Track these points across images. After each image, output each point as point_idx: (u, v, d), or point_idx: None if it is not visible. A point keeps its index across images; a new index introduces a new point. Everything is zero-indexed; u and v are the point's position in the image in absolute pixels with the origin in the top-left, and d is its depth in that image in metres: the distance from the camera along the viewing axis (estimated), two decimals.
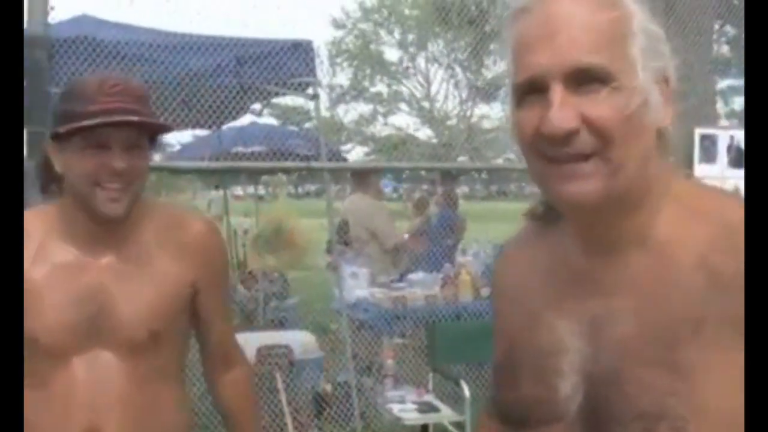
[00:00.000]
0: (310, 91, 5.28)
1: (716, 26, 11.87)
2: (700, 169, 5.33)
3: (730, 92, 20.17)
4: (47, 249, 1.81)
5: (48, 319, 1.77)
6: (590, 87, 1.00)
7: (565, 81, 1.00)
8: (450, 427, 4.58)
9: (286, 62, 4.87)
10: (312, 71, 5.03)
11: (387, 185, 9.82)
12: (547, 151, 1.02)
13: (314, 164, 5.10)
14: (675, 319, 1.02)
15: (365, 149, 32.37)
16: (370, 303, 5.74)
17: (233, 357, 2.13)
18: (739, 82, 18.71)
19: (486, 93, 24.74)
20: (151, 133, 1.83)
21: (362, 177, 7.34)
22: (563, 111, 0.99)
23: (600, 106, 1.00)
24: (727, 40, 14.82)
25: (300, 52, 4.91)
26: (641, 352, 1.03)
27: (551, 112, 1.00)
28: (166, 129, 1.93)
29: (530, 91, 1.03)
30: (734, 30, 14.34)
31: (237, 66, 4.73)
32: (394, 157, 27.70)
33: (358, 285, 6.01)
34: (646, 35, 1.03)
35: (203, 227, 2.01)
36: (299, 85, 5.08)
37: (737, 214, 1.02)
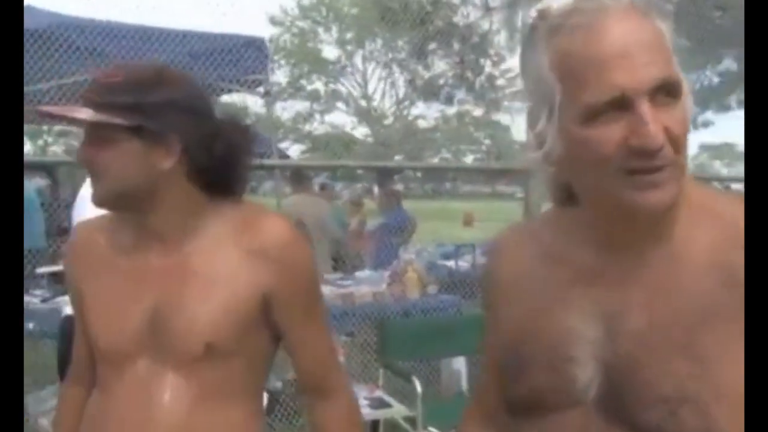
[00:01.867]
0: (261, 89, 5.28)
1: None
2: None
3: None
4: (114, 252, 1.73)
5: (107, 322, 1.69)
6: (665, 100, 1.07)
7: (649, 97, 1.06)
8: (401, 422, 4.62)
9: (239, 59, 4.86)
10: (264, 69, 5.03)
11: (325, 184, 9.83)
12: (632, 163, 1.06)
13: (267, 162, 5.10)
14: (691, 311, 1.08)
15: (302, 147, 32.33)
16: None
17: (330, 386, 1.83)
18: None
19: (423, 92, 24.88)
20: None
21: (305, 176, 7.44)
22: (656, 126, 1.05)
23: (674, 117, 1.07)
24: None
25: (253, 49, 4.91)
26: (659, 341, 1.09)
27: (648, 128, 1.04)
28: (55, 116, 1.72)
29: (609, 108, 1.06)
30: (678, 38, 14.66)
31: (190, 60, 4.70)
32: (331, 156, 27.73)
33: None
34: (672, 52, 1.09)
35: (279, 228, 1.73)
36: (252, 82, 5.07)
37: (734, 211, 1.11)
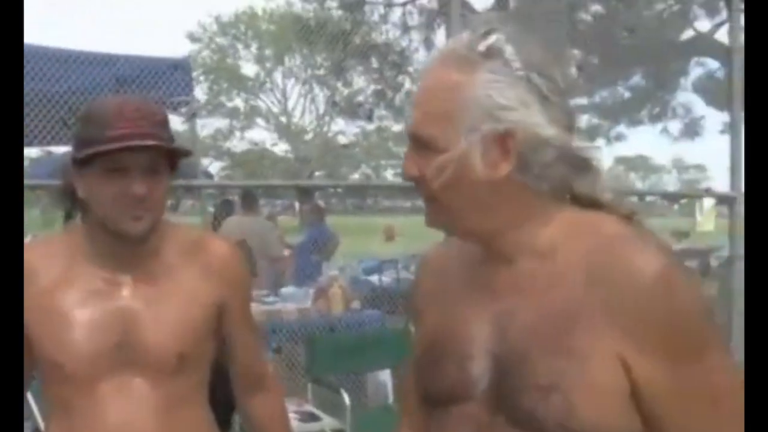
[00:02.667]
0: (184, 109, 5.36)
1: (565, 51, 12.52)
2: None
3: (577, 111, 21.21)
4: (72, 273, 1.79)
5: (73, 345, 1.73)
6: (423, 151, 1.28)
7: (412, 142, 1.29)
8: None
9: (165, 82, 4.94)
10: (190, 90, 5.12)
11: (231, 200, 9.86)
12: None
13: (195, 182, 5.18)
14: (560, 311, 1.24)
15: (223, 164, 32.19)
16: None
17: (263, 379, 2.06)
18: (585, 100, 19.71)
19: (343, 109, 25.04)
20: (169, 158, 1.78)
21: (249, 197, 7.68)
22: (407, 162, 1.29)
23: (426, 164, 1.26)
24: (575, 62, 15.65)
25: (179, 71, 5.00)
26: (534, 339, 1.24)
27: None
28: (185, 153, 1.83)
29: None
30: (581, 53, 15.16)
31: (116, 84, 4.76)
32: (251, 172, 27.65)
33: None
34: (472, 106, 1.23)
35: (226, 248, 1.97)
36: (178, 104, 5.15)
37: (611, 228, 1.26)
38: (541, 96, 1.23)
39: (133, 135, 1.68)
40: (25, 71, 4.46)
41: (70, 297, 1.77)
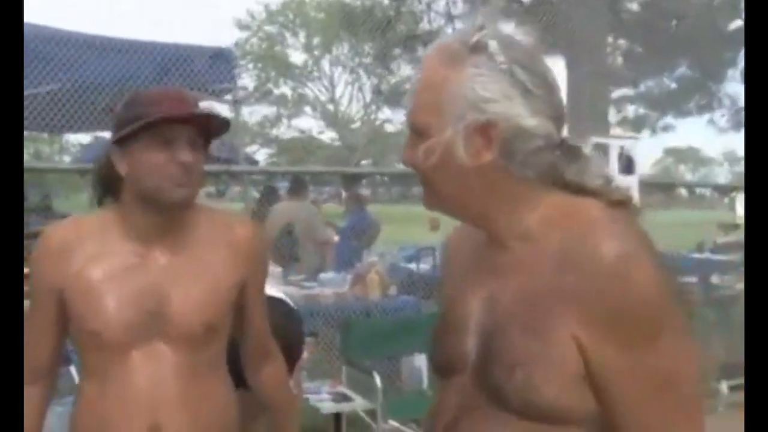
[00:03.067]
0: (228, 97, 5.48)
1: (609, 39, 12.47)
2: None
3: (623, 101, 21.08)
4: (107, 248, 1.94)
5: (109, 314, 1.88)
6: (420, 138, 1.37)
7: (410, 130, 1.38)
8: (363, 415, 4.85)
9: (208, 69, 5.06)
10: (232, 78, 5.23)
11: (283, 187, 10.01)
12: None
13: (235, 167, 5.30)
14: (534, 293, 1.32)
15: (270, 151, 32.42)
16: None
17: (272, 351, 2.25)
18: (631, 91, 19.53)
19: (390, 97, 25.08)
20: (206, 134, 1.96)
21: (303, 184, 7.90)
22: (406, 148, 1.40)
23: (415, 150, 1.37)
24: (621, 52, 15.55)
25: (222, 59, 5.12)
26: (510, 318, 1.34)
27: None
28: (226, 123, 2.01)
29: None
30: (626, 42, 15.06)
31: (159, 72, 4.89)
32: (298, 159, 27.84)
33: (269, 283, 6.22)
34: (456, 98, 1.32)
35: (250, 230, 2.14)
36: (220, 91, 5.27)
37: (591, 213, 1.34)
38: (523, 89, 1.31)
39: (180, 109, 1.86)
40: (70, 60, 4.62)
41: (106, 271, 1.91)
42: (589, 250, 1.28)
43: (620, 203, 1.39)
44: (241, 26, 31.56)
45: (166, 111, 1.84)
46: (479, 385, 1.36)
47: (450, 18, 12.51)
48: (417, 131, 1.37)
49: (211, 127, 1.97)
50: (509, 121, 1.31)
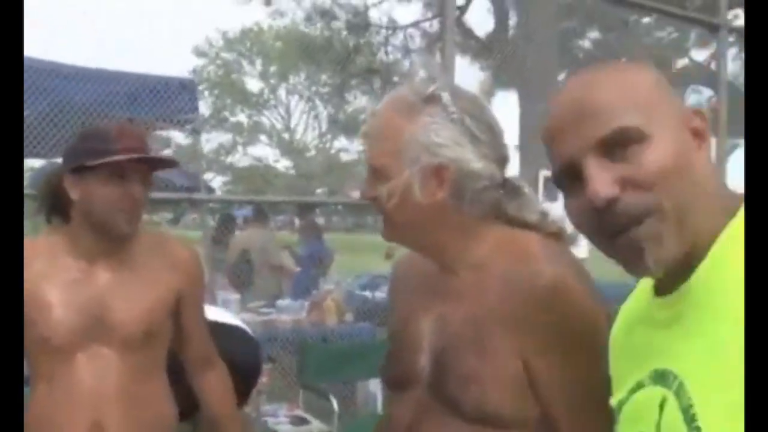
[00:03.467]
0: (189, 126, 5.63)
1: (561, 76, 12.80)
2: (544, 207, 5.86)
3: None
4: (56, 266, 2.14)
5: (58, 322, 2.08)
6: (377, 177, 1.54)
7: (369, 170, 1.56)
8: None
9: (174, 99, 5.21)
10: (196, 109, 5.38)
11: (240, 215, 10.10)
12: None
13: (196, 196, 5.44)
14: (479, 316, 1.50)
15: (225, 178, 32.40)
16: None
17: (212, 358, 2.46)
18: None
19: (346, 126, 25.27)
20: (154, 168, 2.19)
21: (260, 211, 8.22)
22: (366, 185, 1.57)
23: (380, 188, 1.53)
24: None
25: (186, 91, 5.27)
26: (460, 338, 1.51)
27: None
28: (175, 164, 2.30)
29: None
30: None
31: (128, 101, 5.03)
32: (252, 189, 27.87)
33: (229, 311, 6.33)
34: (414, 144, 1.49)
35: (185, 248, 2.39)
36: (184, 121, 5.41)
37: (528, 245, 1.52)
38: (471, 136, 1.50)
39: (137, 149, 2.08)
40: (41, 87, 4.73)
41: (55, 285, 2.13)
42: (527, 277, 1.46)
43: (554, 235, 1.58)
44: (199, 53, 31.63)
45: (123, 149, 2.05)
46: (434, 397, 1.53)
47: (407, 51, 12.79)
48: (376, 173, 1.54)
49: (160, 165, 2.22)
50: (459, 164, 1.49)
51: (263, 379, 5.33)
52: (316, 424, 4.87)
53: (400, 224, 1.56)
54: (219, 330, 3.71)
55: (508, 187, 1.59)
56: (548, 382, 1.46)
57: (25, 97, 4.62)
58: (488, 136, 1.52)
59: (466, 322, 1.52)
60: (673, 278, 1.10)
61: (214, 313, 3.96)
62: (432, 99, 1.50)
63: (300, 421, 4.87)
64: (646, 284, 1.22)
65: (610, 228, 1.06)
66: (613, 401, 1.24)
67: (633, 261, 1.07)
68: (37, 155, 5.20)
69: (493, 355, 1.47)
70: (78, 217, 2.15)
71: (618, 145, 1.06)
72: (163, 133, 7.06)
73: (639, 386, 1.16)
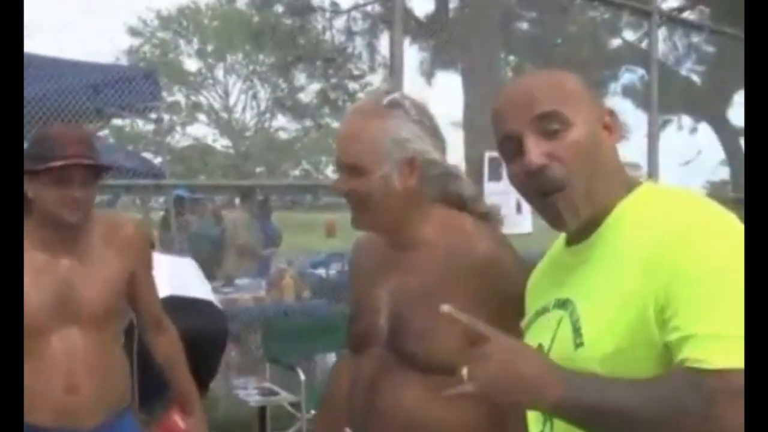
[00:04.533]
0: (152, 115, 5.81)
1: (501, 55, 13.11)
2: (489, 187, 5.93)
3: None
4: (25, 256, 2.35)
5: (30, 306, 2.30)
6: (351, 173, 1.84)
7: (341, 168, 1.87)
8: (288, 407, 5.25)
9: (135, 89, 5.38)
10: (157, 97, 5.56)
11: (183, 195, 10.23)
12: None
13: (165, 182, 5.61)
14: (429, 283, 1.82)
15: (161, 159, 31.99)
16: None
17: (164, 323, 2.82)
18: None
19: (285, 106, 25.28)
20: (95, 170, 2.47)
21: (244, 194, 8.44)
22: (338, 182, 1.86)
23: (354, 183, 1.83)
24: (511, 67, 16.23)
25: (149, 80, 5.45)
26: (413, 301, 1.83)
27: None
28: (108, 169, 2.63)
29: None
30: (516, 58, 15.72)
31: (92, 91, 5.18)
32: (193, 168, 27.70)
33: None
34: (388, 142, 1.80)
35: (134, 226, 2.74)
36: (145, 109, 5.59)
37: (464, 224, 1.87)
38: (428, 132, 1.85)
39: (77, 155, 2.36)
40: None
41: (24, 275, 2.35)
42: (466, 252, 1.81)
43: (483, 215, 1.95)
44: (134, 33, 31.10)
45: (66, 156, 2.34)
46: (393, 352, 1.85)
47: (350, 34, 12.98)
48: (351, 169, 1.83)
49: (100, 169, 2.49)
50: (424, 156, 1.83)
51: (232, 353, 5.58)
52: (284, 394, 5.13)
53: (375, 211, 1.85)
54: (189, 305, 4.00)
55: (451, 174, 1.94)
56: None
57: None
58: (436, 132, 1.88)
59: (418, 289, 1.84)
60: (581, 233, 1.45)
61: (188, 286, 4.21)
62: (395, 104, 1.84)
63: (269, 392, 5.12)
64: (560, 240, 1.58)
65: (538, 190, 1.41)
66: (523, 323, 1.61)
67: (554, 219, 1.43)
68: None
69: (441, 315, 1.78)
70: (35, 213, 2.42)
71: (549, 125, 1.40)
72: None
73: (544, 310, 1.52)
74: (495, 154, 6.21)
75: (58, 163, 2.34)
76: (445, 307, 1.38)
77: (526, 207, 6.90)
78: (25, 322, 2.24)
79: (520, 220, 5.78)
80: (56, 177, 2.36)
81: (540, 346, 1.46)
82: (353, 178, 1.83)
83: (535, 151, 1.39)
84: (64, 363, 2.43)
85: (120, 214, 3.19)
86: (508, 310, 1.72)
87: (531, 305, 1.63)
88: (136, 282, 2.66)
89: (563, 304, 1.46)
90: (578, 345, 1.37)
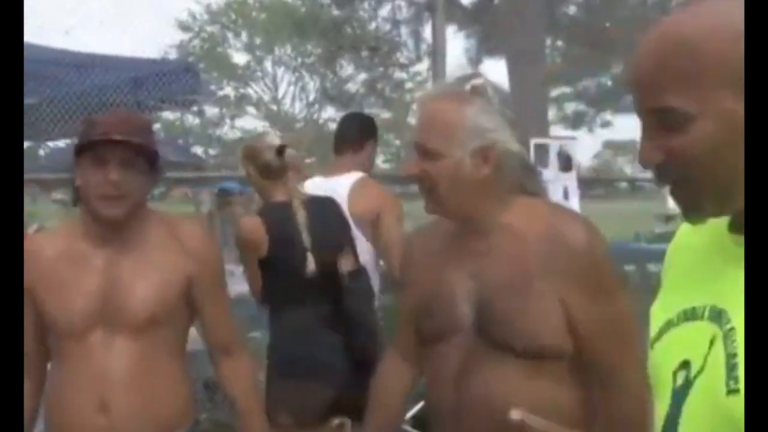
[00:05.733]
0: (194, 108, 5.83)
1: (548, 41, 12.96)
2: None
3: (562, 99, 21.69)
4: (70, 250, 2.20)
5: (68, 305, 2.11)
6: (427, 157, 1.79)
7: (417, 151, 1.81)
8: None
9: (175, 82, 5.40)
10: (198, 90, 5.57)
11: (234, 187, 10.19)
12: None
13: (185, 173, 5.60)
14: (519, 267, 1.78)
15: (213, 152, 32.35)
16: (249, 299, 6.23)
17: (232, 347, 2.40)
18: (569, 89, 20.05)
19: (333, 97, 25.31)
20: (146, 156, 2.17)
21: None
22: (412, 165, 1.82)
23: (429, 167, 1.79)
24: (559, 53, 16.08)
25: (190, 74, 5.45)
26: (503, 287, 1.79)
27: None
28: (152, 151, 2.21)
29: None
30: (564, 43, 15.57)
31: (133, 85, 5.21)
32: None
33: (235, 282, 6.51)
34: (467, 129, 1.76)
35: (197, 231, 2.38)
36: (187, 101, 5.60)
37: (548, 210, 1.86)
38: (508, 122, 1.79)
39: (111, 132, 2.09)
40: (53, 74, 4.91)
41: (68, 269, 2.18)
42: (559, 235, 1.77)
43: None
44: (183, 27, 31.45)
45: (102, 132, 2.10)
46: (482, 339, 1.80)
47: (395, 22, 12.91)
48: (426, 153, 1.79)
49: (140, 148, 2.17)
50: (502, 146, 1.78)
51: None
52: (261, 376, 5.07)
53: (447, 197, 1.81)
54: None
55: (526, 165, 1.91)
56: (584, 318, 1.75)
57: (31, 83, 4.77)
58: (513, 123, 1.83)
59: (506, 274, 1.80)
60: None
61: None
62: (477, 91, 1.78)
63: None
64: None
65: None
66: (655, 306, 1.30)
67: (681, 210, 1.15)
68: (49, 138, 5.38)
69: (535, 299, 1.76)
70: (83, 202, 2.19)
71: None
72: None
73: (694, 315, 1.19)
74: (541, 141, 6.16)
75: (93, 138, 2.10)
76: (516, 414, 1.17)
77: (573, 194, 6.82)
78: (57, 320, 2.15)
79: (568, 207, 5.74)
80: (93, 159, 2.10)
81: (686, 363, 1.17)
82: (426, 161, 1.79)
83: (647, 148, 1.12)
84: (99, 374, 2.15)
85: (184, 216, 2.90)
86: (607, 292, 1.75)
87: (674, 290, 1.31)
88: (199, 292, 2.30)
89: (718, 316, 1.13)
90: (731, 391, 1.04)
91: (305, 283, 3.04)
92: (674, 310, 1.24)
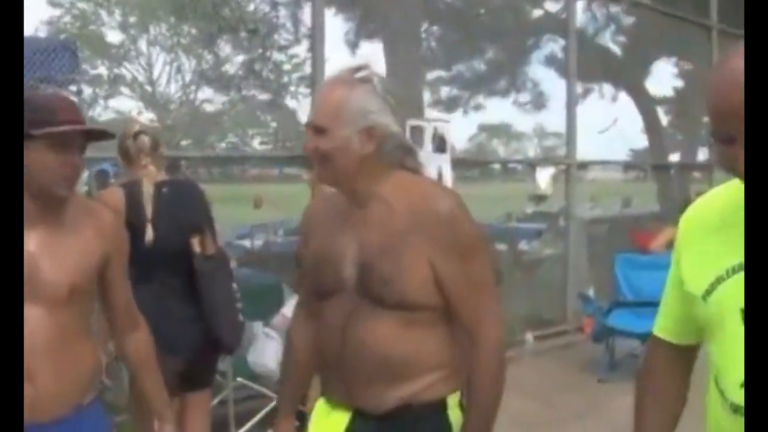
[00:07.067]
0: (73, 87, 5.75)
1: (424, 26, 13.19)
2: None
3: (437, 83, 22.00)
4: None
5: None
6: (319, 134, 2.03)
7: (311, 129, 2.06)
8: (217, 377, 5.26)
9: (53, 61, 5.33)
10: (77, 69, 5.50)
11: (108, 170, 10.08)
12: None
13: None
14: (394, 233, 2.05)
15: None
16: None
17: (136, 320, 2.70)
18: (444, 73, 20.36)
19: (210, 79, 24.92)
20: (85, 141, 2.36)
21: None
22: (308, 142, 2.06)
23: (321, 143, 2.03)
24: (434, 38, 16.33)
25: (68, 53, 5.39)
26: (378, 251, 2.07)
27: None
28: (112, 136, 2.52)
29: None
30: (439, 29, 15.83)
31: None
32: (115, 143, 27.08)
33: None
34: (354, 110, 2.03)
35: (111, 215, 2.63)
36: (64, 82, 5.53)
37: (421, 184, 2.13)
38: (390, 107, 2.07)
39: (78, 121, 2.29)
40: None
41: None
42: (430, 205, 2.04)
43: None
44: (54, 3, 30.29)
45: (70, 119, 2.25)
46: (362, 296, 2.08)
47: (274, 5, 12.91)
48: (318, 130, 2.04)
49: (97, 136, 2.40)
50: (383, 127, 2.07)
51: None
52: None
53: (336, 170, 2.07)
54: None
55: (406, 146, 2.20)
56: (450, 277, 2.04)
57: None
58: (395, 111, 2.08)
59: (382, 240, 2.07)
60: None
61: None
62: (365, 79, 2.07)
63: None
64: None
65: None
66: (697, 270, 1.61)
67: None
68: None
69: (407, 261, 2.04)
70: (26, 182, 2.28)
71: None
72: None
73: (740, 268, 1.51)
74: (416, 122, 6.43)
75: (63, 128, 2.22)
76: None
77: (447, 174, 7.06)
78: None
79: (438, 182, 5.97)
80: (54, 144, 2.23)
81: (743, 311, 1.47)
82: (319, 137, 2.05)
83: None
84: (27, 342, 2.26)
85: (97, 201, 3.26)
86: (471, 256, 2.04)
87: (707, 253, 1.63)
88: (111, 269, 2.54)
89: None
90: None
91: (148, 253, 3.44)
92: (722, 267, 1.54)
